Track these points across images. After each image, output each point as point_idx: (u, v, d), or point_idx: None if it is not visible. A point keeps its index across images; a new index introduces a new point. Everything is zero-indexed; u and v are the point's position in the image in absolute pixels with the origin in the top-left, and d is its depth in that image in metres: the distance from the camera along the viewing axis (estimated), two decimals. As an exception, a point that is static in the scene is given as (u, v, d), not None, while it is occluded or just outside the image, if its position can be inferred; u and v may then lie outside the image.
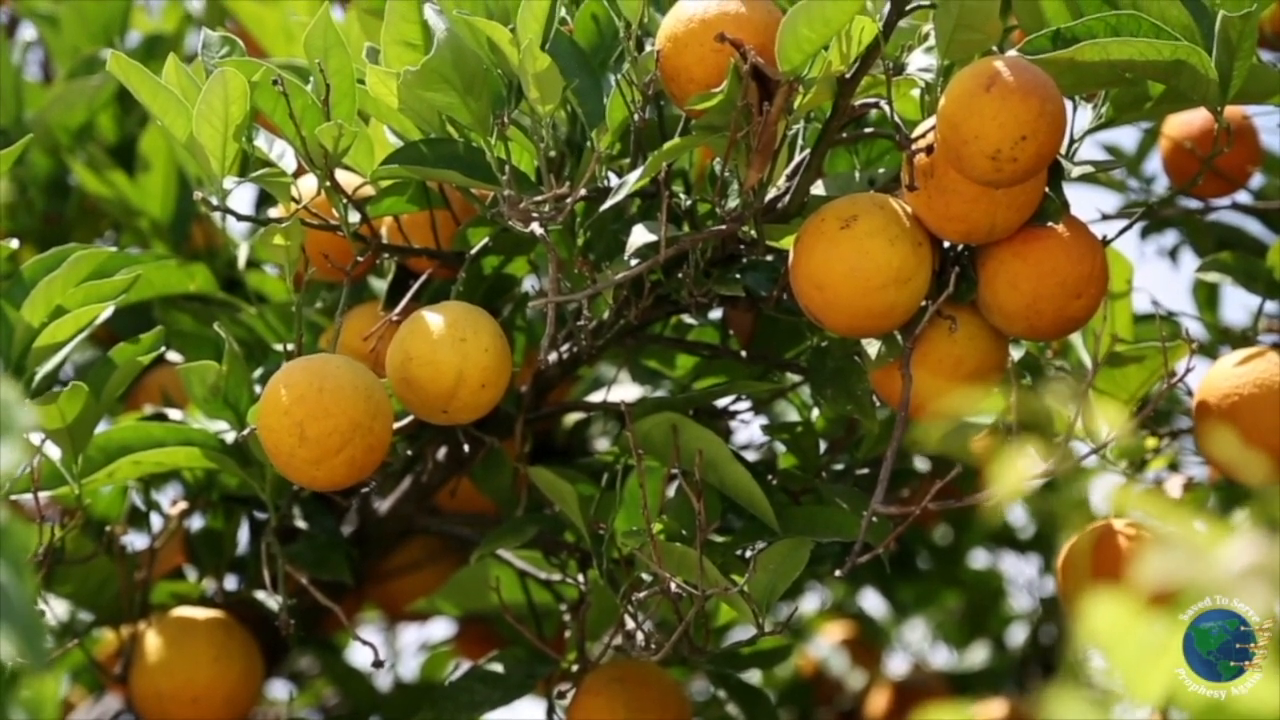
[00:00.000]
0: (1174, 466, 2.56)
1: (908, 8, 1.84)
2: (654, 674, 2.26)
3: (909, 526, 1.93)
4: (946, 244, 1.95)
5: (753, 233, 1.98)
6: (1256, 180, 2.64)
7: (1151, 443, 2.44)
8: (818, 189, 2.01)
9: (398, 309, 2.07)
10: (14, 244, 2.05)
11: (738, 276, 2.04)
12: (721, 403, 2.34)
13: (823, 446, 2.28)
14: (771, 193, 1.97)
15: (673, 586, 1.98)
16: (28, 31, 3.29)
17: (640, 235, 1.94)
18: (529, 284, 2.31)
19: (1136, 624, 1.16)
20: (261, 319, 2.44)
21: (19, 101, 2.83)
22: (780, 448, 2.39)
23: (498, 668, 2.28)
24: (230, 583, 2.49)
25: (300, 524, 2.35)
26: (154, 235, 2.74)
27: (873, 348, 1.98)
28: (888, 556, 1.98)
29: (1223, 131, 1.94)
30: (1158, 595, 1.27)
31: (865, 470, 2.29)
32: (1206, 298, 2.69)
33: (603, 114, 1.97)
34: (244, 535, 2.50)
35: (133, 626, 2.37)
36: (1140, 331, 2.38)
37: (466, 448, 2.29)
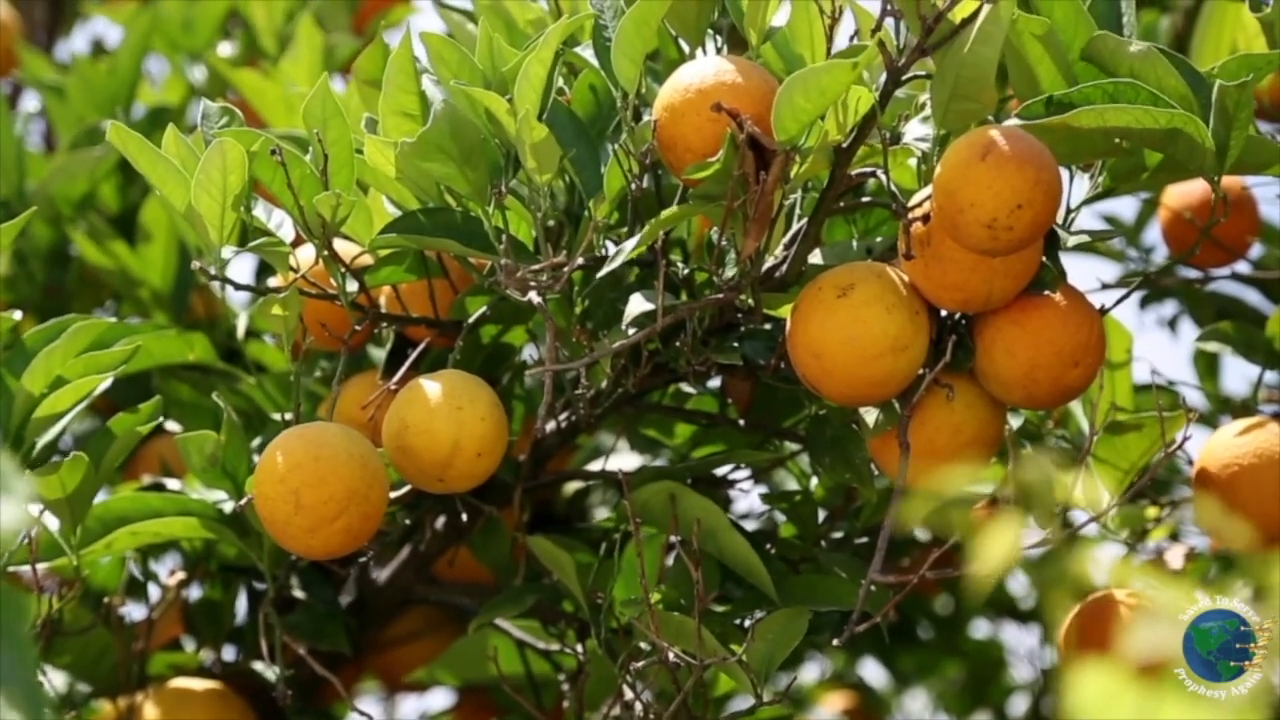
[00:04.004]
0: (1175, 536, 2.56)
1: (904, 77, 1.85)
2: (653, 744, 2.25)
3: (909, 596, 1.93)
4: (944, 312, 1.95)
5: (750, 301, 1.98)
6: (1256, 250, 2.64)
7: (1152, 512, 2.44)
8: (815, 258, 2.01)
9: (395, 378, 2.07)
10: (17, 315, 2.06)
11: (735, 345, 2.04)
12: (720, 471, 2.34)
13: (821, 515, 2.28)
14: (769, 261, 1.97)
15: (671, 656, 1.97)
16: (31, 102, 3.31)
17: (638, 304, 1.95)
18: (527, 353, 2.31)
19: (1126, 694, 1.16)
20: (260, 388, 2.44)
21: (21, 172, 2.84)
22: (779, 516, 2.38)
23: (496, 738, 2.27)
24: (228, 653, 2.48)
25: (298, 594, 2.34)
26: (154, 305, 2.74)
27: (871, 416, 1.98)
28: (887, 626, 1.98)
29: (1220, 201, 1.94)
30: (1148, 666, 1.26)
31: (864, 539, 2.29)
32: (1206, 367, 2.70)
33: (600, 183, 1.98)
34: (242, 605, 2.49)
35: (130, 698, 2.36)
36: (1140, 401, 2.38)
37: (465, 517, 2.29)
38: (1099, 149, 1.91)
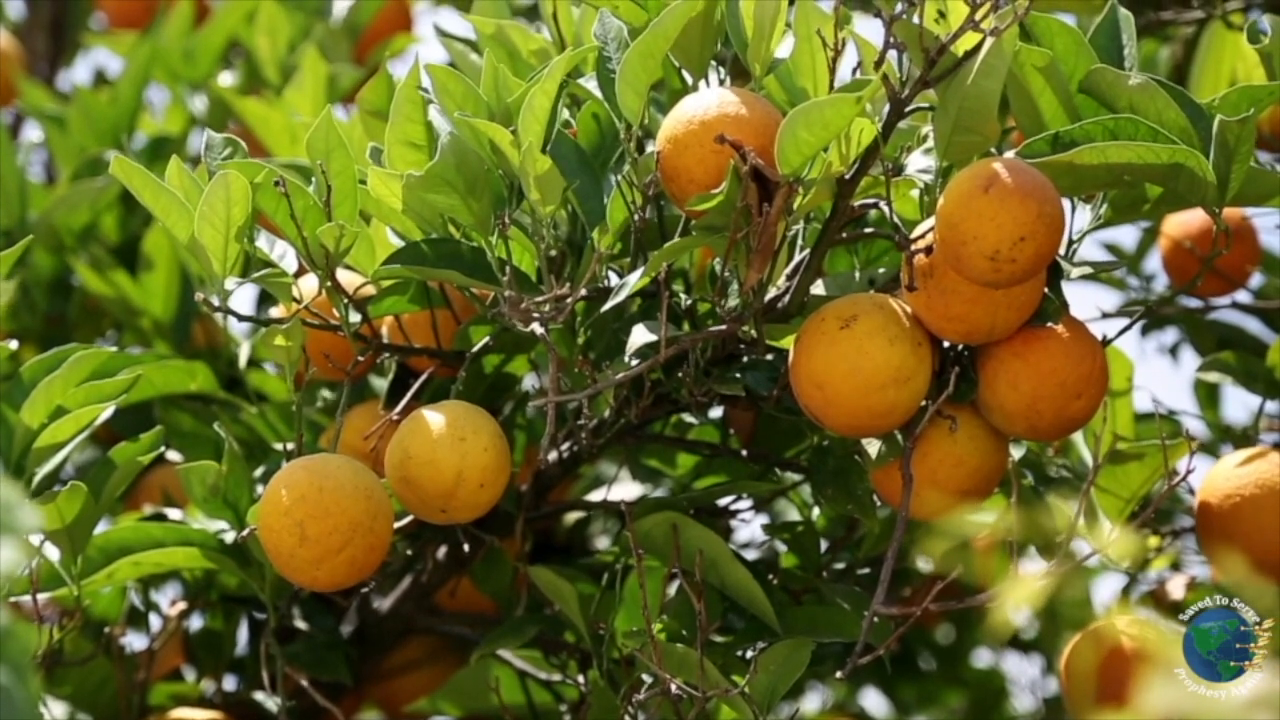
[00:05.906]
0: (1176, 566, 2.56)
1: (907, 110, 1.85)
2: (654, 775, 2.24)
3: (910, 626, 1.92)
4: (946, 344, 1.95)
5: (753, 332, 1.98)
6: (1256, 279, 2.64)
7: (1153, 542, 2.44)
8: (818, 289, 2.01)
9: (398, 408, 2.07)
10: (13, 345, 2.06)
11: (738, 376, 2.04)
12: (722, 502, 2.33)
13: (824, 546, 2.28)
14: (771, 292, 1.98)
15: (673, 687, 1.97)
16: (33, 132, 3.31)
17: (640, 335, 1.95)
18: (529, 383, 2.31)
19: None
20: (262, 418, 2.44)
21: (23, 202, 2.85)
22: (781, 547, 2.38)
23: (498, 769, 2.27)
24: (229, 683, 2.48)
25: (299, 624, 2.34)
26: (156, 334, 2.74)
27: (873, 447, 1.98)
28: (888, 656, 1.97)
29: (1222, 233, 1.94)
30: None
31: (866, 570, 2.29)
32: (1207, 396, 2.70)
33: (603, 214, 1.98)
34: (243, 636, 2.49)
35: (131, 728, 2.36)
36: (1141, 430, 2.38)
37: (466, 547, 2.28)
38: (1101, 182, 1.91)
